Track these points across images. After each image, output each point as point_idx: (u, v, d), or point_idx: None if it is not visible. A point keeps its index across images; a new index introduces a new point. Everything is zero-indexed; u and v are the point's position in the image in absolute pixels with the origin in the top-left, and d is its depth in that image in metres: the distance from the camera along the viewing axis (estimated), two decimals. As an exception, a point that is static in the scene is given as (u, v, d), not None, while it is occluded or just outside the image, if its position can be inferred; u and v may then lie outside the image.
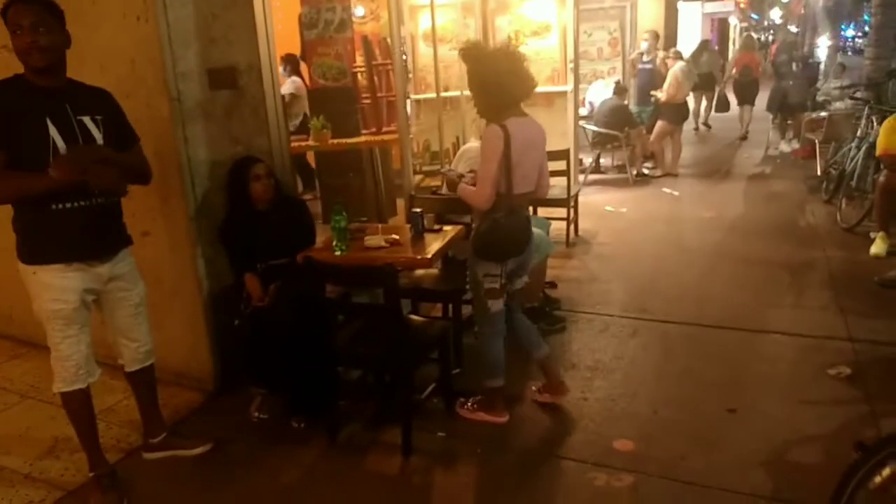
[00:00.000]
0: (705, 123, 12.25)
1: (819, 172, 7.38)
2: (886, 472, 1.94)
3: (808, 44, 19.94)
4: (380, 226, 3.53)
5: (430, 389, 3.21)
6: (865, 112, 6.37)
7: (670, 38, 12.08)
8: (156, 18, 3.02)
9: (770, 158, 9.28)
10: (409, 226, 3.49)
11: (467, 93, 6.73)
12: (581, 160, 8.40)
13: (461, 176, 3.19)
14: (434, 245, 3.21)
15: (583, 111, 8.66)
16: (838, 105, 8.13)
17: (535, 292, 4.14)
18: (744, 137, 10.74)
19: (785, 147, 9.55)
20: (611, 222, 6.59)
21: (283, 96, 5.88)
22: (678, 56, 8.52)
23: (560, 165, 5.54)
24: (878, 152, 4.95)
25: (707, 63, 11.28)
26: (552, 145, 7.14)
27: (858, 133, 6.26)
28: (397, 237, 3.21)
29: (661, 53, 8.84)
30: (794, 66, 11.18)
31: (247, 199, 3.21)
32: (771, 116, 10.61)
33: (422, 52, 7.57)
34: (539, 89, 6.81)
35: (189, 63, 3.20)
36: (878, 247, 4.90)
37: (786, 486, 2.59)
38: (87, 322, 2.58)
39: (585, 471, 2.76)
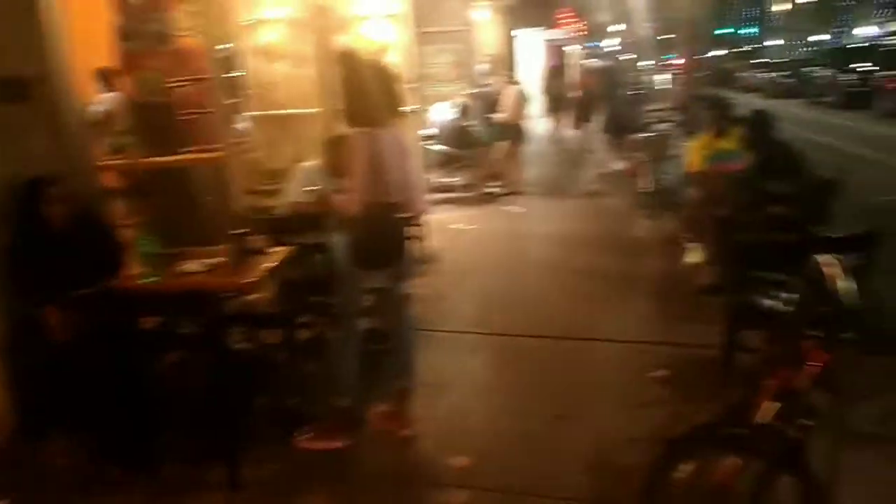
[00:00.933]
0: (559, 141, 12.94)
1: (642, 189, 7.99)
2: (687, 466, 2.06)
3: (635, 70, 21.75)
4: (200, 250, 3.31)
5: (269, 418, 3.05)
6: (677, 133, 6.99)
7: (507, 62, 12.73)
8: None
9: (605, 176, 9.92)
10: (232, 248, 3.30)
11: (310, 110, 6.65)
12: (428, 179, 8.53)
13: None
14: (260, 268, 3.06)
15: (429, 132, 8.79)
16: (659, 126, 8.87)
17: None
18: (585, 153, 11.46)
19: (616, 166, 10.26)
20: (458, 240, 6.71)
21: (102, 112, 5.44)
22: (513, 80, 8.91)
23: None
24: (686, 169, 5.43)
25: (557, 86, 12.02)
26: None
27: (672, 152, 6.85)
28: (218, 261, 3.02)
29: (497, 78, 9.23)
30: (618, 90, 12.10)
31: (40, 223, 2.88)
32: (606, 137, 11.40)
33: (265, 68, 7.34)
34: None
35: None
36: (692, 256, 5.34)
37: (610, 487, 2.70)
38: None
39: (423, 492, 2.71)
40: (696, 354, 3.86)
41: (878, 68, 17.42)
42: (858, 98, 17.43)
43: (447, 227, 7.16)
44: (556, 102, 12.73)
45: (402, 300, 3.13)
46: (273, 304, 3.67)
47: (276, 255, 3.25)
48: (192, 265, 2.93)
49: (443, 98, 10.34)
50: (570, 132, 12.55)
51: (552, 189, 9.20)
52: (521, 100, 8.63)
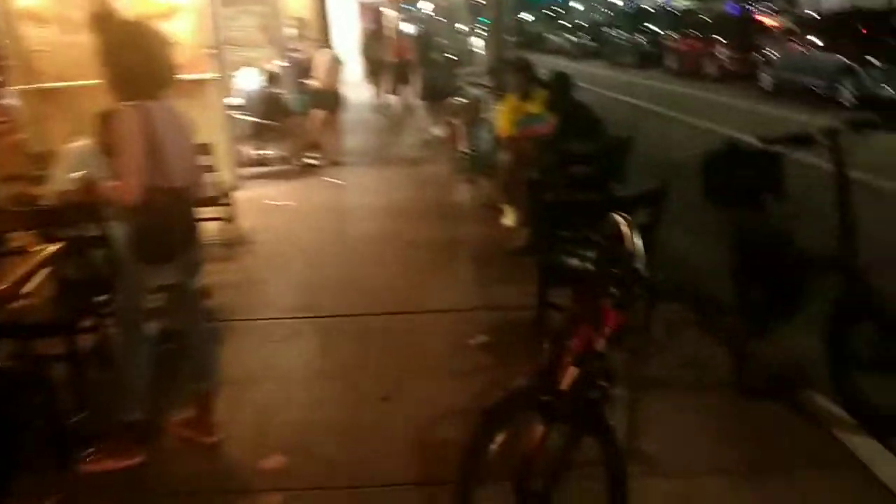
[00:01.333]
0: (379, 108, 12.68)
1: (460, 155, 8.07)
2: (501, 435, 2.03)
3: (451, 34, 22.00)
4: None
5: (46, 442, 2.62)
6: (489, 98, 7.09)
7: (321, 25, 12.22)
8: None
9: (425, 142, 9.91)
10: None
11: (87, 82, 5.87)
12: (239, 151, 7.99)
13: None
14: (16, 271, 2.59)
15: (235, 100, 8.20)
16: (472, 91, 8.98)
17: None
18: (405, 120, 11.37)
19: (435, 132, 10.29)
20: (274, 217, 6.34)
21: None
22: (325, 44, 8.54)
23: (206, 161, 5.08)
24: (496, 133, 5.50)
25: (376, 50, 11.73)
26: (199, 139, 6.62)
27: (485, 116, 6.95)
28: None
29: (308, 42, 8.81)
30: (433, 55, 12.15)
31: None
32: (424, 103, 11.42)
33: (32, 34, 6.36)
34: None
35: None
36: (507, 218, 5.46)
37: (433, 466, 2.63)
38: None
39: (230, 501, 2.48)
40: (514, 317, 3.91)
41: (666, 30, 19.10)
42: (650, 58, 19.02)
43: (261, 203, 6.76)
44: (376, 67, 12.48)
45: (196, 294, 2.82)
46: (48, 310, 3.17)
47: (36, 254, 2.77)
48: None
49: (249, 64, 9.72)
50: (390, 98, 12.40)
51: (373, 158, 9.05)
52: (335, 65, 8.30)
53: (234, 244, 5.45)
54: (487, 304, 4.11)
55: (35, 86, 6.01)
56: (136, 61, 2.50)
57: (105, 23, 2.55)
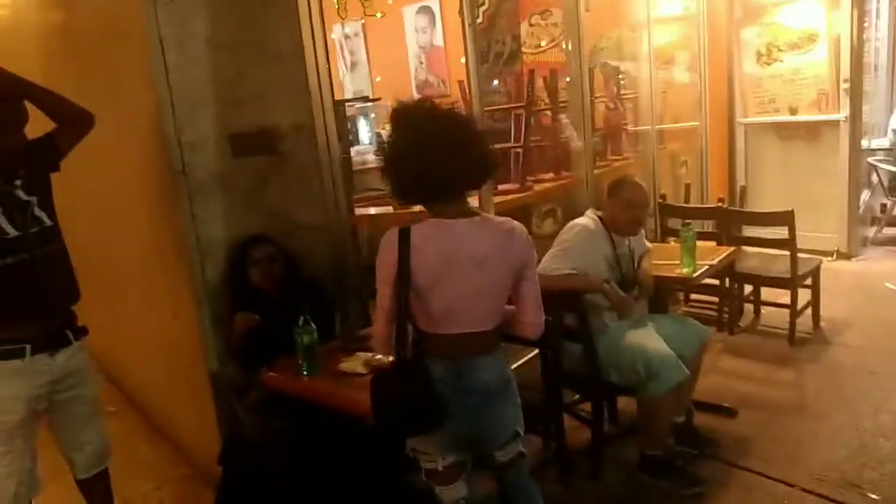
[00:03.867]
0: None
1: None
2: None
3: None
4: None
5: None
6: None
7: None
8: (154, 84, 2.68)
9: None
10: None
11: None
12: (871, 208, 6.27)
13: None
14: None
15: (881, 143, 6.42)
16: None
17: (655, 436, 2.88)
18: None
19: None
20: (882, 309, 4.61)
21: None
22: None
23: (782, 232, 3.97)
24: None
25: None
26: (815, 188, 5.39)
27: None
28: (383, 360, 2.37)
29: None
30: None
31: (248, 288, 2.72)
32: None
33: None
34: (801, 118, 5.40)
35: (200, 130, 2.80)
36: None
37: None
38: (33, 433, 2.32)
39: None
40: None
41: None
42: None
43: (873, 283, 5.03)
44: None
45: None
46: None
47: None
48: (351, 362, 2.37)
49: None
50: None
51: None
52: None
53: (804, 341, 4.15)
54: None
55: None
56: (409, 168, 1.82)
57: (394, 119, 1.92)
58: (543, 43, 5.20)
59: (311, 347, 2.35)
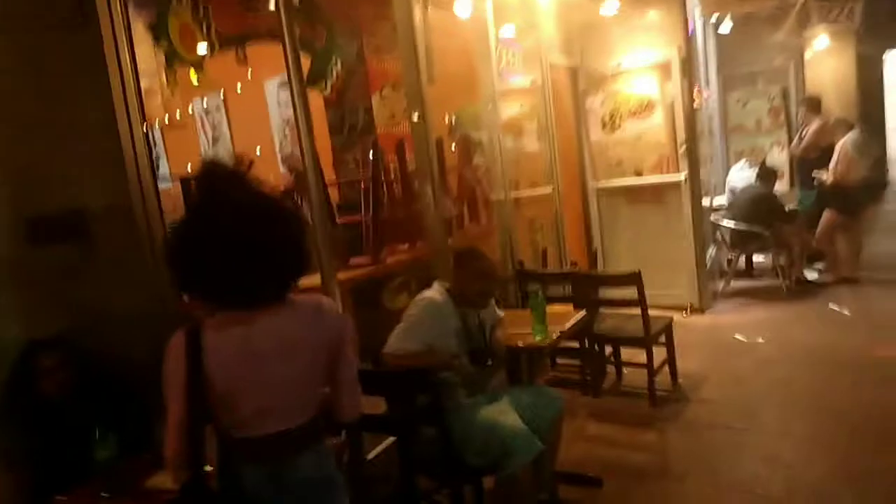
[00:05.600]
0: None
1: None
2: None
3: None
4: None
5: None
6: None
7: (868, 99, 9.71)
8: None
9: None
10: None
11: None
12: (719, 263, 6.67)
13: None
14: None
15: (720, 201, 6.92)
16: None
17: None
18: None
19: None
20: (736, 360, 4.78)
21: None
22: (846, 126, 6.46)
23: (632, 293, 4.04)
24: None
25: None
26: (665, 247, 5.54)
27: None
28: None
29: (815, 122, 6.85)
30: None
31: (38, 404, 2.34)
32: None
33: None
34: (646, 180, 5.66)
35: (-15, 214, 2.46)
36: None
37: None
38: None
39: None
40: None
41: None
42: None
43: (724, 337, 5.25)
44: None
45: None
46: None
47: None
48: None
49: (756, 154, 8.30)
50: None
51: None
52: (858, 153, 6.21)
53: (664, 400, 4.20)
54: None
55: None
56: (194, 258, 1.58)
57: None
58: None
59: (108, 463, 2.02)
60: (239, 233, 1.54)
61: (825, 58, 8.81)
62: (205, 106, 7.60)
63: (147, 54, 3.23)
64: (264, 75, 6.44)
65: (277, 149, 6.96)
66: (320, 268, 3.09)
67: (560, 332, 3.14)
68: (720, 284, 6.54)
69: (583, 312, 3.43)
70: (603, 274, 4.73)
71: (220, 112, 7.63)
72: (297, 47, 3.06)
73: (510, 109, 5.35)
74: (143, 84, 2.85)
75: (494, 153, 5.10)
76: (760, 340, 5.11)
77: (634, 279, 3.93)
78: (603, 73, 5.96)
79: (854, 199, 6.24)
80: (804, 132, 6.91)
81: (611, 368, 4.62)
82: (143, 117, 2.84)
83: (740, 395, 4.17)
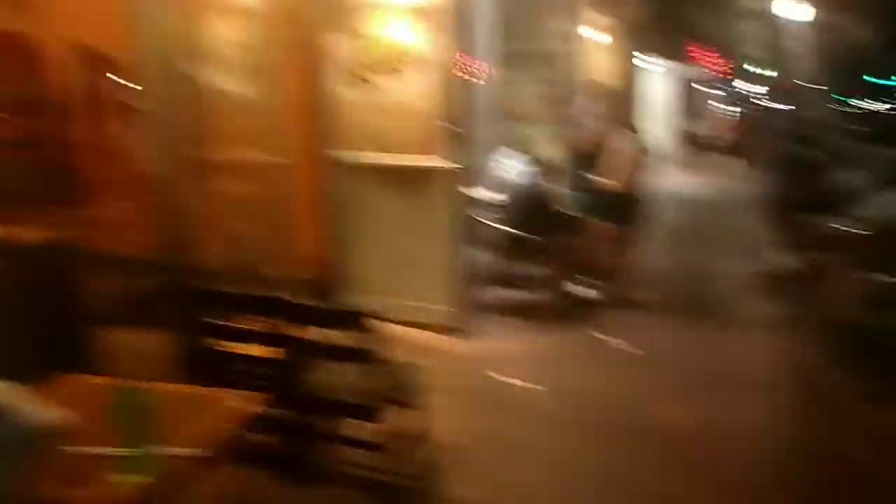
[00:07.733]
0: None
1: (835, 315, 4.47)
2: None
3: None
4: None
5: None
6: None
7: (627, 101, 9.54)
8: None
9: (770, 280, 6.08)
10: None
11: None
12: (481, 270, 5.40)
13: None
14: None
15: (487, 195, 5.68)
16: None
17: None
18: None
19: (785, 262, 6.44)
20: (508, 418, 3.50)
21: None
22: (628, 126, 5.63)
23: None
24: None
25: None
26: (420, 253, 4.26)
27: None
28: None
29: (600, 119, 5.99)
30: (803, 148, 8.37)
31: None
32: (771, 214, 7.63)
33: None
34: (399, 160, 4.40)
35: None
36: None
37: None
38: None
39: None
40: None
41: None
42: None
43: (491, 373, 4.00)
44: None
45: None
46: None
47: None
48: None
49: (526, 146, 7.20)
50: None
51: (687, 298, 5.73)
52: (639, 158, 5.43)
53: (399, 492, 2.70)
54: None
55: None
56: None
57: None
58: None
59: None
60: None
61: (601, 52, 8.23)
62: None
63: None
64: None
65: None
66: None
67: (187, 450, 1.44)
68: (483, 294, 5.29)
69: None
70: (317, 307, 2.97)
71: None
72: None
73: (217, 32, 3.50)
74: None
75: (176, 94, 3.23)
76: (519, 383, 3.93)
77: (357, 321, 2.35)
78: (349, 2, 4.30)
79: (634, 208, 5.42)
80: (583, 129, 5.99)
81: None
82: None
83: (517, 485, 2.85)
